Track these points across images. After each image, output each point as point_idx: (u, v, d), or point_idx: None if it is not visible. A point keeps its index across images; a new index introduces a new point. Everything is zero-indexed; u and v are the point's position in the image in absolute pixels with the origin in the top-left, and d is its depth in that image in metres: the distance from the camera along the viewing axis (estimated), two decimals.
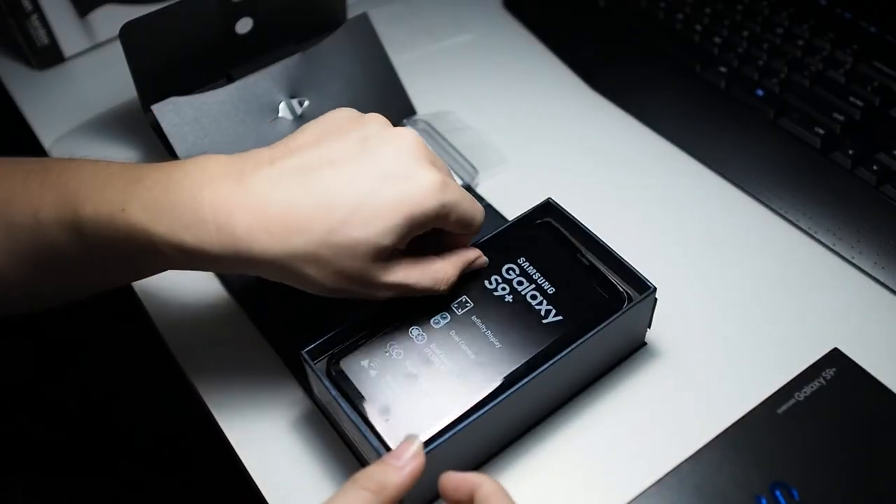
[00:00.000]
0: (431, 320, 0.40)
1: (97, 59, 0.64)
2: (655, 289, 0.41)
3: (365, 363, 0.38)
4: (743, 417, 0.41)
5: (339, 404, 0.37)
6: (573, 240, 0.43)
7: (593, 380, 0.43)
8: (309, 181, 0.35)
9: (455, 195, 0.37)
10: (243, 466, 0.41)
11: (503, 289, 0.41)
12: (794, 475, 0.38)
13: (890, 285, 0.47)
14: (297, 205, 0.34)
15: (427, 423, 0.36)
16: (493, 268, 0.41)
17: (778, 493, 0.38)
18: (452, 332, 0.39)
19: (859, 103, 0.54)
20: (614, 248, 0.42)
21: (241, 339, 0.46)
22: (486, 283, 0.41)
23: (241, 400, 0.44)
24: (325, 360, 0.38)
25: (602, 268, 0.42)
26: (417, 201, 0.36)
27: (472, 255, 0.41)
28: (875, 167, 0.51)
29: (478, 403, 0.37)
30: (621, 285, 0.41)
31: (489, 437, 0.40)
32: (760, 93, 0.57)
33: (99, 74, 0.63)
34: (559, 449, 0.41)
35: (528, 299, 0.40)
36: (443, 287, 0.39)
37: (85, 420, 0.68)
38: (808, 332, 0.45)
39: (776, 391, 0.42)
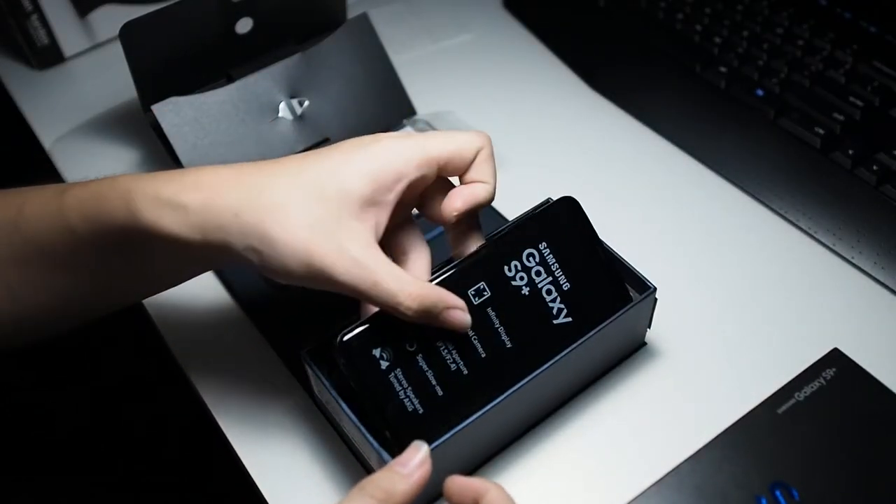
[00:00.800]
0: None
1: (97, 59, 0.64)
2: (655, 289, 0.41)
3: (377, 352, 0.36)
4: (743, 417, 0.41)
5: (340, 404, 0.37)
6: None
7: (593, 380, 0.43)
8: (292, 159, 0.37)
9: (424, 136, 0.37)
10: (243, 466, 0.41)
11: (521, 278, 0.39)
12: (794, 475, 0.38)
13: (890, 285, 0.47)
14: (275, 166, 0.36)
15: (430, 426, 0.36)
16: (514, 253, 0.39)
17: (778, 493, 0.38)
18: None
19: (859, 103, 0.54)
20: (614, 248, 0.42)
21: (242, 339, 0.46)
22: (506, 269, 0.39)
23: (242, 400, 0.44)
24: (337, 343, 0.36)
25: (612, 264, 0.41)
26: (387, 147, 0.37)
27: (450, 299, 0.36)
28: (875, 167, 0.51)
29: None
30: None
31: (489, 436, 0.40)
32: (760, 93, 0.57)
33: (99, 74, 0.63)
34: (559, 449, 0.41)
35: (544, 294, 0.39)
36: (404, 303, 0.34)
37: (85, 420, 0.68)
38: (808, 332, 0.45)
39: (776, 391, 0.42)
